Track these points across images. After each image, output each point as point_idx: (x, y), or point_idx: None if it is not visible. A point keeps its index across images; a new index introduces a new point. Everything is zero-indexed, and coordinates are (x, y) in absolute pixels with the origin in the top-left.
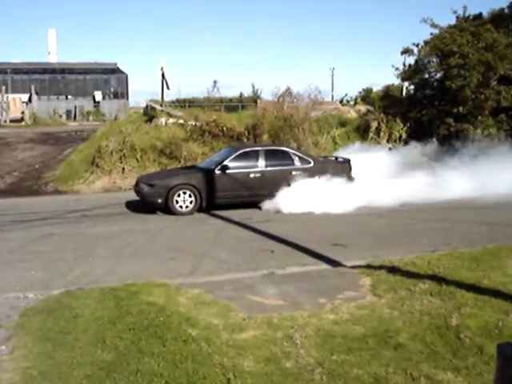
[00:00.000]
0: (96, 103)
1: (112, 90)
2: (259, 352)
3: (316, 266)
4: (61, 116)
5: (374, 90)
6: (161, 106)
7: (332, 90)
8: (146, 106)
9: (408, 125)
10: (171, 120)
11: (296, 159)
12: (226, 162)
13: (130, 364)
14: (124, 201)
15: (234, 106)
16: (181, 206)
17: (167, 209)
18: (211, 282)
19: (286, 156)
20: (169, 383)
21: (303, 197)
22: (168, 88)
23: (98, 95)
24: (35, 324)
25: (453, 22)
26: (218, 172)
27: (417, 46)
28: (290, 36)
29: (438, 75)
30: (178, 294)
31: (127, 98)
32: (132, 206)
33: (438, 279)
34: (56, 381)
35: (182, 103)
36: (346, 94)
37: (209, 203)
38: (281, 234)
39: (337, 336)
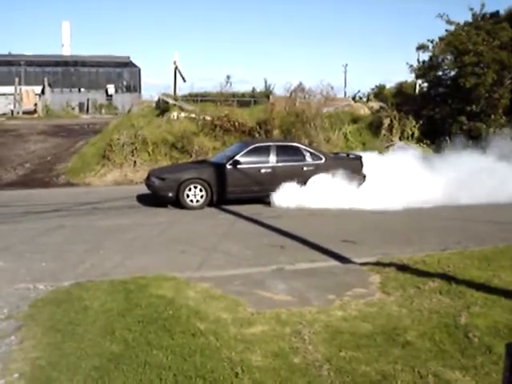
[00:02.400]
0: (109, 96)
1: (125, 83)
2: (267, 347)
3: (325, 262)
4: (73, 108)
5: (387, 86)
6: (173, 99)
7: (345, 86)
8: (158, 100)
9: (421, 122)
10: (183, 114)
11: (307, 155)
12: (237, 157)
13: (138, 356)
14: (135, 194)
15: (246, 101)
16: (191, 200)
17: (178, 203)
18: (220, 277)
19: (297, 152)
20: (177, 376)
21: (315, 193)
22: (184, 80)
23: (111, 88)
24: (45, 315)
25: (469, 18)
26: (229, 167)
27: (432, 42)
28: (303, 32)
29: (452, 73)
30: (187, 287)
31: (140, 92)
32: (143, 200)
33: (448, 278)
34: (65, 371)
35: (194, 97)
36: (359, 91)
37: (219, 198)
38: (291, 229)
39: (345, 332)
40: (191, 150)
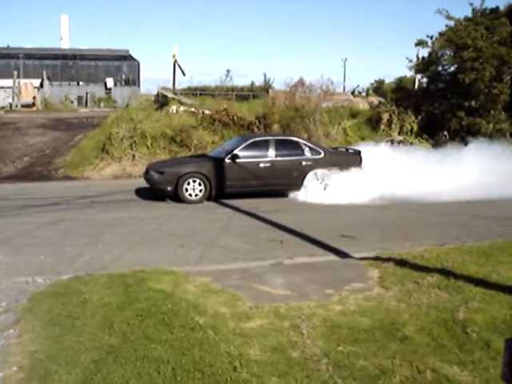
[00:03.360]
0: (107, 90)
1: (123, 76)
2: (265, 341)
3: (324, 256)
4: (72, 102)
5: (387, 81)
6: (172, 93)
7: (344, 80)
8: (157, 94)
9: (420, 117)
10: (182, 108)
11: (306, 150)
12: (236, 151)
13: (137, 350)
14: (134, 188)
15: (245, 95)
16: (190, 194)
17: (176, 197)
18: (219, 271)
19: (296, 146)
20: (175, 370)
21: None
22: (184, 74)
23: (110, 82)
24: (43, 308)
25: (468, 13)
26: (228, 161)
27: (431, 38)
28: (303, 26)
29: (452, 68)
30: (185, 281)
31: (139, 85)
32: (141, 193)
33: (446, 273)
34: (63, 365)
35: (193, 91)
36: (358, 86)
37: (218, 192)
38: (290, 224)
39: (343, 327)
40: (190, 143)
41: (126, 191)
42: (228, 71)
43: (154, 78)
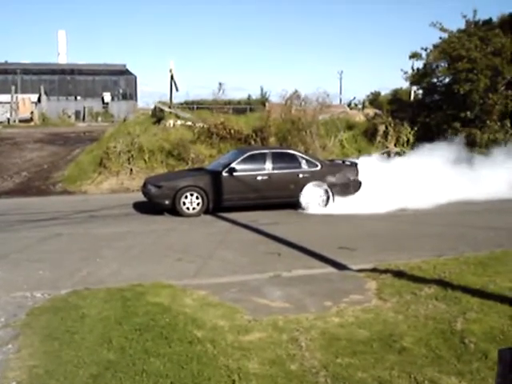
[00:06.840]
0: (105, 104)
1: (121, 91)
2: (264, 354)
3: (322, 269)
4: (70, 116)
5: (382, 93)
6: (169, 107)
7: (340, 93)
8: (155, 108)
9: (416, 129)
10: (179, 122)
11: (303, 162)
12: (233, 165)
13: (135, 364)
14: (131, 202)
15: (242, 108)
16: (188, 208)
17: (174, 210)
18: (217, 284)
19: (293, 159)
20: None
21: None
22: (177, 90)
23: (107, 96)
24: (42, 323)
25: (462, 26)
26: (225, 174)
27: (425, 50)
28: (299, 39)
29: (447, 79)
30: (184, 295)
31: (136, 100)
32: (139, 207)
33: (444, 284)
34: (62, 380)
35: (190, 105)
36: (354, 98)
37: (216, 205)
38: (287, 236)
39: (342, 339)
40: (187, 157)
41: (124, 205)
42: (220, 84)
43: (151, 91)
